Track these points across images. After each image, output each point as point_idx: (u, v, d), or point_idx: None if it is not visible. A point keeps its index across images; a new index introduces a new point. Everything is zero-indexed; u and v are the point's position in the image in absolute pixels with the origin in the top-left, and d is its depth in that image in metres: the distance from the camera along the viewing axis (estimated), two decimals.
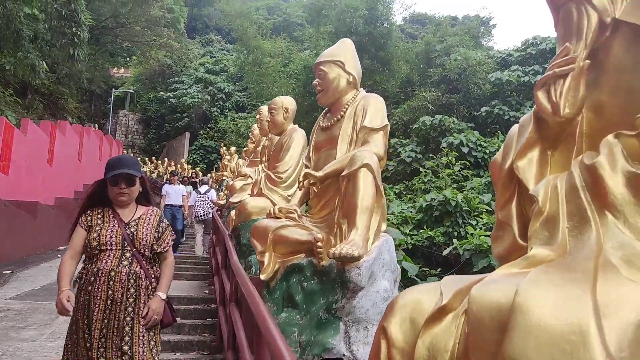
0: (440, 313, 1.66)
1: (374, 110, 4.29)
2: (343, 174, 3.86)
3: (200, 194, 14.23)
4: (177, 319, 3.80)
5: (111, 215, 3.54)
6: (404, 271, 10.16)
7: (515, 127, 2.12)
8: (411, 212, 13.62)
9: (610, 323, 1.21)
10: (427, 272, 11.36)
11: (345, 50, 4.64)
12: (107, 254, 3.39)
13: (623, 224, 1.49)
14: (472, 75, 18.39)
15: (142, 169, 3.84)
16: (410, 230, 12.88)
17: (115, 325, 3.27)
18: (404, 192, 15.52)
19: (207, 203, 13.76)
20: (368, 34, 19.20)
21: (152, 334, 3.43)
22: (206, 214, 13.58)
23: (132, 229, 3.50)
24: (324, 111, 4.76)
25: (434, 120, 16.55)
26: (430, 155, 16.53)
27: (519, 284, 1.33)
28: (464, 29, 22.13)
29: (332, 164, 4.17)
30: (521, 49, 23.31)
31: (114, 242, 3.42)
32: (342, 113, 4.42)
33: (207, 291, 8.91)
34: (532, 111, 2.04)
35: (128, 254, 3.43)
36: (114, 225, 3.48)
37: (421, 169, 15.99)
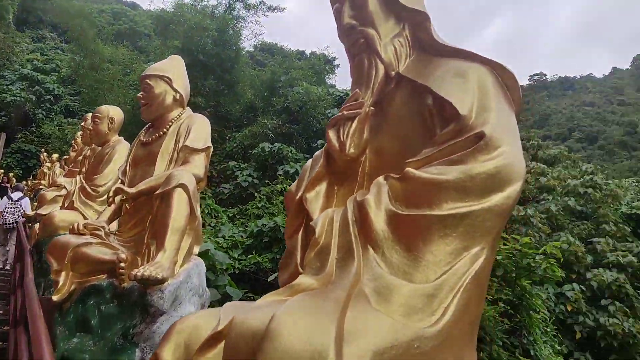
0: (214, 339, 1.66)
1: (198, 130, 4.25)
2: (157, 192, 3.73)
3: (12, 200, 12.69)
4: None
5: None
6: (228, 296, 10.05)
7: (310, 161, 2.26)
8: (242, 236, 13.61)
9: (351, 349, 1.31)
10: (252, 297, 11.39)
11: (174, 67, 4.56)
12: None
13: (381, 258, 1.64)
14: (312, 109, 19.22)
15: None
16: (239, 255, 12.83)
17: None
18: (237, 216, 15.50)
19: (19, 211, 12.31)
20: (216, 55, 19.11)
21: None
22: (16, 222, 12.14)
23: None
24: (147, 126, 4.59)
25: (273, 147, 16.92)
26: (267, 181, 16.80)
27: (276, 311, 1.39)
28: (309, 64, 23.14)
29: (147, 181, 4.01)
30: None
31: None
32: (164, 130, 4.31)
33: (1, 311, 7.90)
34: (324, 147, 2.18)
35: None
36: None
37: (256, 194, 16.15)
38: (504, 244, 8.34)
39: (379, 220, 1.68)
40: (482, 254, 1.63)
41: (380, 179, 1.83)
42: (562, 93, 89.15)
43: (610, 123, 67.90)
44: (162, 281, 3.37)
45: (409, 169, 1.74)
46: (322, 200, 2.08)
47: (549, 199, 15.87)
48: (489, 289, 7.78)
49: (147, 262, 3.60)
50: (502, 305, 7.63)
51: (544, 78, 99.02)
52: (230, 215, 15.55)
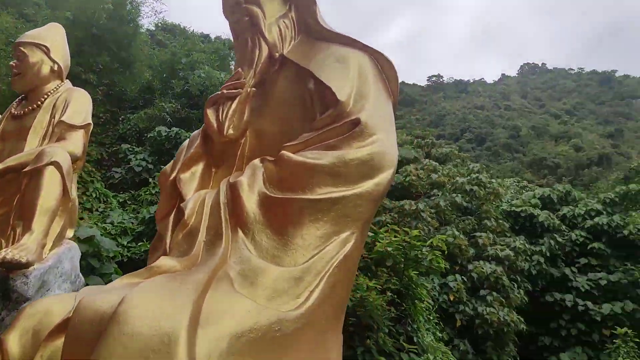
0: (67, 325, 1.53)
1: (77, 105, 3.95)
2: (26, 169, 3.43)
3: None
4: None
5: None
6: None
7: (187, 141, 2.16)
8: (132, 223, 13.00)
9: (207, 333, 1.25)
10: None
11: (54, 36, 4.20)
12: None
13: (250, 241, 1.59)
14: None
15: None
16: (128, 242, 12.24)
17: None
18: (129, 202, 14.76)
19: None
20: (111, 31, 17.95)
21: None
22: None
23: None
24: (19, 98, 4.20)
25: (171, 132, 16.27)
26: (162, 167, 16.10)
27: (128, 293, 1.30)
28: (213, 48, 22.47)
29: (16, 156, 3.66)
30: None
31: None
32: (39, 102, 3.96)
33: None
34: (202, 127, 2.09)
35: None
36: None
37: (151, 179, 15.47)
38: (395, 236, 8.66)
39: (250, 203, 1.64)
40: (352, 239, 1.64)
41: (256, 161, 1.79)
42: (456, 95, 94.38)
43: (497, 126, 72.98)
44: (27, 265, 3.11)
45: (284, 152, 1.71)
46: (198, 181, 1.99)
47: (438, 195, 16.73)
48: (378, 279, 8.06)
49: (12, 244, 3.30)
50: (390, 294, 7.91)
51: (441, 80, 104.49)
52: (120, 200, 14.77)
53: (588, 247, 17.18)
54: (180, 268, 1.52)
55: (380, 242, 8.49)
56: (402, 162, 18.12)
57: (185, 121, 18.33)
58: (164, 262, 1.56)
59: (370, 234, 8.95)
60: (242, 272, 1.48)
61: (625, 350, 11.93)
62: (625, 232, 16.84)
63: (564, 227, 18.10)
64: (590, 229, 17.59)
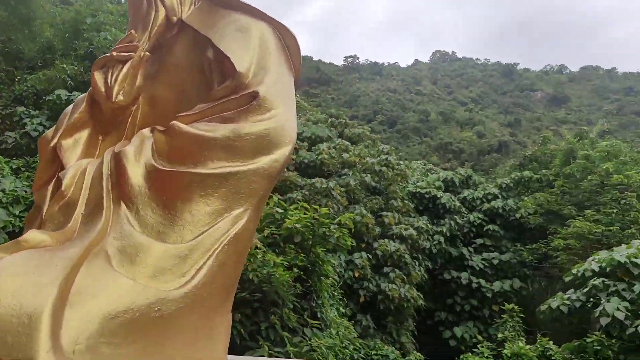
0: None
1: None
2: None
3: None
4: None
5: None
6: None
7: (71, 106, 1.99)
8: (26, 191, 12.12)
9: (76, 313, 1.15)
10: None
11: None
12: None
13: (134, 216, 1.49)
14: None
15: None
16: (21, 212, 11.41)
17: None
18: (23, 169, 13.73)
19: None
20: None
21: None
22: None
23: None
24: None
25: (72, 96, 15.17)
26: None
27: None
28: (122, 10, 21.24)
29: None
30: None
31: None
32: None
33: None
34: (88, 91, 1.94)
35: None
36: None
37: None
38: (305, 214, 8.70)
39: (136, 175, 1.53)
40: (245, 216, 1.58)
41: (146, 131, 1.67)
42: (371, 77, 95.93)
43: (408, 110, 75.33)
44: None
45: (176, 123, 1.62)
46: (82, 149, 1.84)
47: (349, 174, 17.03)
48: (286, 255, 8.09)
49: None
50: (297, 270, 7.97)
51: (357, 61, 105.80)
52: (13, 167, 13.70)
53: (484, 229, 18.34)
54: (52, 242, 1.39)
55: (289, 219, 8.51)
56: (315, 140, 18.27)
57: (88, 85, 17.12)
58: (32, 235, 1.42)
59: (279, 210, 8.95)
60: (121, 249, 1.38)
61: (511, 324, 12.94)
62: (517, 215, 18.14)
63: (463, 209, 19.16)
64: (487, 211, 18.75)
